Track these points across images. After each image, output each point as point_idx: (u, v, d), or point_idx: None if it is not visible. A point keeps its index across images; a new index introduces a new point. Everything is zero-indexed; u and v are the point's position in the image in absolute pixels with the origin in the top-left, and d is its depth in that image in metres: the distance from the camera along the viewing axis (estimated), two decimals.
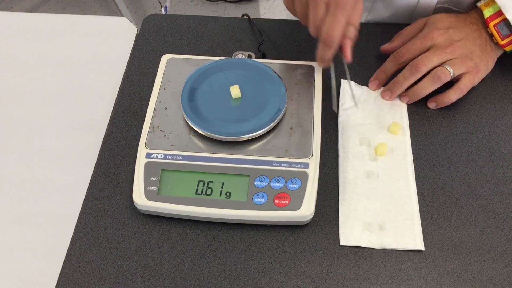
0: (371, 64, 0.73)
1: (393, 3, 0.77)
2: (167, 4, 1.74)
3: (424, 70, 0.65)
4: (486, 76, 0.69)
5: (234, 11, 2.16)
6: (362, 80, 0.71)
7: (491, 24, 0.66)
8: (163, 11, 1.72)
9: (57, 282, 0.55)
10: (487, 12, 0.66)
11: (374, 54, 0.74)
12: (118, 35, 0.82)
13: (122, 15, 2.00)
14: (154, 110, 0.64)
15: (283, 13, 2.13)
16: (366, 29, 0.68)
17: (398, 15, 0.79)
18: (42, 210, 0.63)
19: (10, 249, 0.60)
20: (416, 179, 0.61)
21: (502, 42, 0.66)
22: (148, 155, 0.60)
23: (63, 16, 0.86)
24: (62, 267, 0.56)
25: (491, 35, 0.67)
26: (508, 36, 0.66)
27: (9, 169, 0.67)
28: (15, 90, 0.76)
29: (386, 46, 0.72)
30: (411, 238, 0.57)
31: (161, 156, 0.60)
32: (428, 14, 0.73)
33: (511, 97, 0.69)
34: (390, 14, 0.79)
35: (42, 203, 0.64)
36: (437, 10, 0.77)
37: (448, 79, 0.65)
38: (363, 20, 0.82)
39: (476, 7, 0.69)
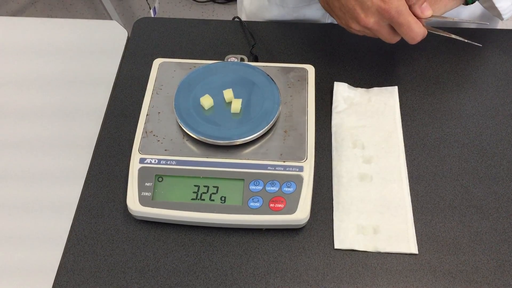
0: (363, 65, 0.73)
1: None
2: (156, 5, 1.73)
3: None
4: (477, 77, 0.69)
5: (223, 12, 2.16)
6: (355, 82, 0.71)
7: None
8: (151, 13, 1.71)
9: None
10: None
11: (365, 55, 0.74)
12: (109, 39, 0.82)
13: (110, 17, 1.99)
14: (147, 115, 0.63)
15: None
16: None
17: None
18: (35, 217, 0.62)
19: (3, 256, 0.60)
20: (409, 180, 0.62)
21: None
22: (142, 161, 0.59)
23: (52, 20, 0.86)
24: (56, 275, 0.55)
25: None
26: None
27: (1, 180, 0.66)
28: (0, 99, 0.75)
29: None
30: (405, 241, 0.57)
31: (155, 161, 0.59)
32: None
33: (502, 97, 0.70)
34: None
35: (35, 210, 0.63)
36: None
37: None
38: None
39: None
